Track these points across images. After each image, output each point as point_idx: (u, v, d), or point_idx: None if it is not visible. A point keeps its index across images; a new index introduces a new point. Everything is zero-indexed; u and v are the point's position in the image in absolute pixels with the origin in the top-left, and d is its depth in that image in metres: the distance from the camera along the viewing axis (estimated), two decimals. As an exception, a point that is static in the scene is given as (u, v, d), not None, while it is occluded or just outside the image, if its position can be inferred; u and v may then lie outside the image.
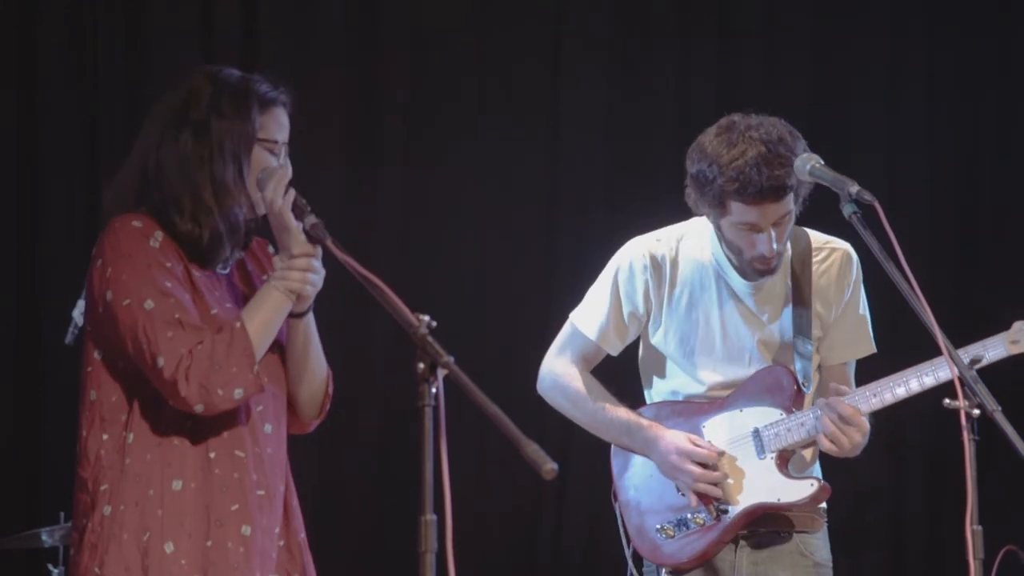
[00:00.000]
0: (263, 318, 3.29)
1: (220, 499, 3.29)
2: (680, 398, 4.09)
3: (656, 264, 4.06)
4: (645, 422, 4.05)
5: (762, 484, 3.97)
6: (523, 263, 6.34)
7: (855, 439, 3.90)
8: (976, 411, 3.27)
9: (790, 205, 3.88)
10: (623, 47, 6.46)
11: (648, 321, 4.09)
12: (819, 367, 4.12)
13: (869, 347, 4.14)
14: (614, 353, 4.16)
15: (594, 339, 4.11)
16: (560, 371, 4.16)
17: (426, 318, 2.92)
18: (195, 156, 3.31)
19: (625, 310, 4.09)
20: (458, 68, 6.34)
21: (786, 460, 4.00)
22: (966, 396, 3.28)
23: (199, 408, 3.22)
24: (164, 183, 3.32)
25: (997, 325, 6.51)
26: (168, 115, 3.36)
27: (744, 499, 3.97)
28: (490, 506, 6.18)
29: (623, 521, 4.09)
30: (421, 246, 6.25)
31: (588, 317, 4.13)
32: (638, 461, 4.10)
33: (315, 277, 3.34)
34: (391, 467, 6.03)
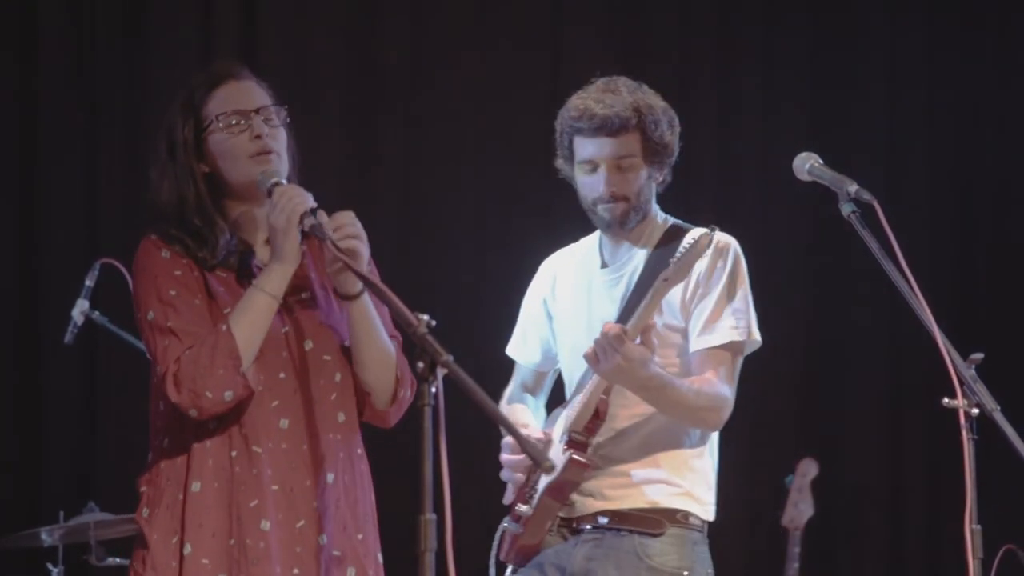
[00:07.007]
0: (249, 320, 3.32)
1: (240, 496, 3.33)
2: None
3: (547, 275, 4.16)
4: None
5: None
6: (522, 262, 6.32)
7: (612, 360, 3.71)
8: (975, 410, 3.27)
9: (631, 148, 3.87)
10: (622, 54, 6.48)
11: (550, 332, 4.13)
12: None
13: (714, 338, 3.87)
14: (544, 369, 4.20)
15: (513, 356, 4.22)
16: (503, 405, 4.21)
17: (425, 317, 2.93)
18: (153, 181, 3.43)
19: (530, 323, 4.18)
20: (459, 63, 6.36)
21: (583, 447, 3.85)
22: (965, 395, 3.28)
23: (192, 413, 3.29)
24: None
25: (996, 324, 6.52)
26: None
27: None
28: (489, 505, 6.17)
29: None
30: (419, 245, 6.24)
31: (512, 341, 4.24)
32: None
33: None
34: (390, 466, 6.02)
